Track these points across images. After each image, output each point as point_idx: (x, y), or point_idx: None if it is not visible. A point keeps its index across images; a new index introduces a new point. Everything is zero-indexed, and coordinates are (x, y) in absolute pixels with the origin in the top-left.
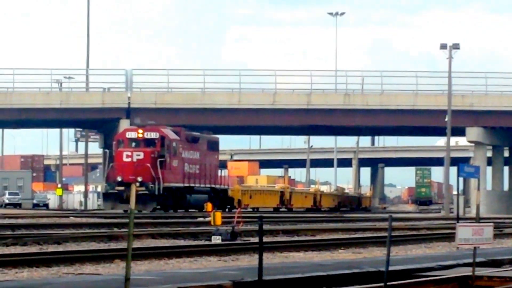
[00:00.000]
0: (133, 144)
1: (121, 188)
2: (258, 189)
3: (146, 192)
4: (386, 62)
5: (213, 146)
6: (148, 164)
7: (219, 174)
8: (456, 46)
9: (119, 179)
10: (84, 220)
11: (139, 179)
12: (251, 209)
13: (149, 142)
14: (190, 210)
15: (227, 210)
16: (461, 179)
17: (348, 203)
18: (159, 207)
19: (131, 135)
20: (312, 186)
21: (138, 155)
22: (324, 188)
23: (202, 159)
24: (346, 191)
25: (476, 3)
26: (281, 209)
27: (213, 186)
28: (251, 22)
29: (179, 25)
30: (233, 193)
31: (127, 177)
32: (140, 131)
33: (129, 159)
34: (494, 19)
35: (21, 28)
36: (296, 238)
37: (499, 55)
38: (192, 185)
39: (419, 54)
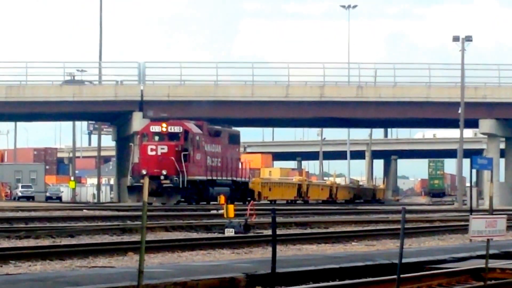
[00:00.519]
0: (157, 138)
1: None
2: (277, 182)
3: (171, 185)
4: (400, 54)
5: (234, 140)
6: (173, 158)
7: (240, 167)
8: (468, 38)
9: (144, 172)
10: (97, 213)
11: (164, 172)
12: (268, 202)
13: (173, 136)
14: (211, 202)
15: (247, 203)
16: (474, 171)
17: (363, 195)
18: (183, 199)
19: (155, 129)
20: (325, 178)
21: (163, 149)
22: (338, 181)
23: (223, 152)
24: (361, 183)
25: None
26: (297, 201)
27: (234, 178)
28: (265, 15)
29: (193, 17)
30: (253, 186)
31: (152, 170)
32: (164, 125)
33: (153, 153)
34: (507, 12)
35: (34, 21)
36: (309, 231)
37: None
38: (214, 178)
39: (433, 46)
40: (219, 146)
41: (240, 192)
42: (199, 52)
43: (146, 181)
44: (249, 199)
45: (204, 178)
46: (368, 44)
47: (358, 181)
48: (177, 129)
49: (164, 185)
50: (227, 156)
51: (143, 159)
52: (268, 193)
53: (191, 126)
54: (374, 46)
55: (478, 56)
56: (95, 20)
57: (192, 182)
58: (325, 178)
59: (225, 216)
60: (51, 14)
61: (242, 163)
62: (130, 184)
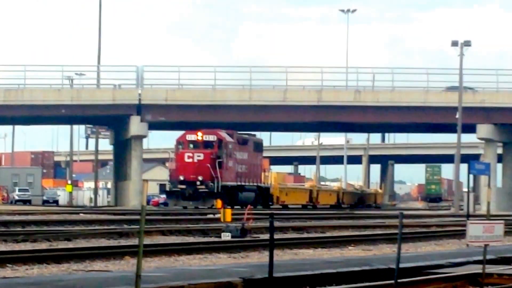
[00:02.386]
0: (192, 146)
1: (183, 186)
2: (293, 187)
3: (206, 190)
4: (399, 59)
5: (258, 147)
6: (208, 165)
7: (262, 173)
8: (467, 43)
9: (181, 178)
10: (94, 216)
11: (200, 178)
12: (280, 206)
13: (207, 144)
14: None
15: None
16: (471, 176)
17: (367, 200)
18: None
19: (191, 137)
20: (322, 183)
21: (199, 156)
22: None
23: (249, 159)
24: (364, 189)
25: (489, 1)
26: (308, 206)
27: (259, 184)
28: (263, 19)
29: (191, 21)
30: (273, 191)
31: (189, 176)
32: (200, 134)
33: (190, 160)
34: (507, 17)
35: (32, 24)
36: (305, 235)
37: (511, 53)
38: (243, 183)
39: (432, 51)
40: (246, 154)
41: (263, 197)
42: (198, 56)
43: (144, 185)
44: (270, 203)
45: (235, 183)
46: (367, 48)
47: (362, 186)
48: (211, 137)
49: (200, 190)
50: (252, 163)
51: (180, 165)
52: (285, 197)
53: (224, 135)
54: (373, 50)
55: (477, 61)
56: (94, 23)
57: (225, 187)
58: (321, 183)
59: (222, 220)
60: (49, 17)
61: (264, 170)
62: (168, 189)
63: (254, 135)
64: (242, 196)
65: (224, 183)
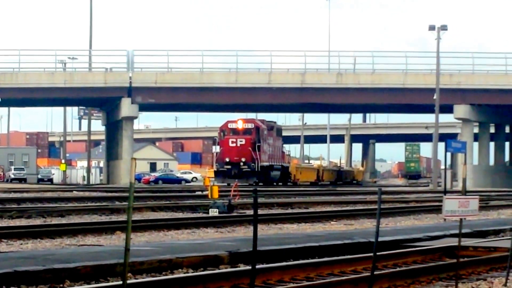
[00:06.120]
0: (233, 133)
1: (229, 166)
2: (305, 167)
3: (249, 170)
4: (380, 43)
5: (279, 132)
6: (250, 148)
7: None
8: (444, 28)
9: (227, 159)
10: (87, 194)
11: (243, 159)
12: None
13: (247, 131)
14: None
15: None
16: (448, 154)
17: (360, 177)
18: (257, 181)
19: (232, 125)
20: (305, 161)
21: (241, 141)
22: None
23: (274, 143)
24: (358, 167)
25: None
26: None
27: (282, 164)
28: (250, 4)
29: (180, 6)
30: (291, 170)
31: (233, 158)
32: (240, 122)
33: (234, 144)
34: (483, 2)
35: (26, 9)
36: (290, 211)
37: (487, 36)
38: (272, 163)
39: (414, 36)
40: (272, 138)
41: (284, 175)
42: (186, 40)
43: (132, 164)
44: (289, 180)
45: (268, 164)
46: (349, 32)
47: (356, 165)
48: (250, 125)
49: (243, 170)
50: (276, 146)
51: (225, 149)
52: (299, 176)
53: (260, 123)
54: (354, 34)
55: (457, 45)
56: (86, 8)
57: (262, 167)
58: (305, 161)
59: (209, 196)
60: (43, 2)
61: (284, 152)
62: (216, 169)
63: (275, 122)
64: (273, 174)
65: (261, 163)
